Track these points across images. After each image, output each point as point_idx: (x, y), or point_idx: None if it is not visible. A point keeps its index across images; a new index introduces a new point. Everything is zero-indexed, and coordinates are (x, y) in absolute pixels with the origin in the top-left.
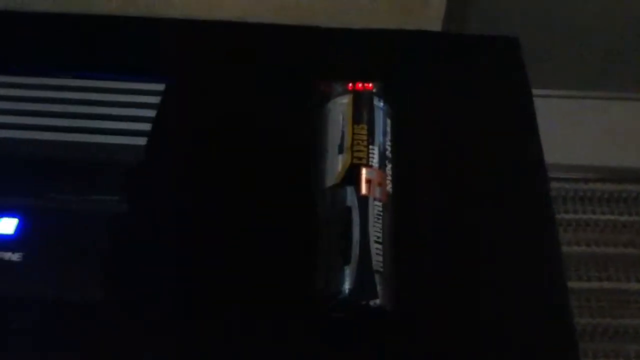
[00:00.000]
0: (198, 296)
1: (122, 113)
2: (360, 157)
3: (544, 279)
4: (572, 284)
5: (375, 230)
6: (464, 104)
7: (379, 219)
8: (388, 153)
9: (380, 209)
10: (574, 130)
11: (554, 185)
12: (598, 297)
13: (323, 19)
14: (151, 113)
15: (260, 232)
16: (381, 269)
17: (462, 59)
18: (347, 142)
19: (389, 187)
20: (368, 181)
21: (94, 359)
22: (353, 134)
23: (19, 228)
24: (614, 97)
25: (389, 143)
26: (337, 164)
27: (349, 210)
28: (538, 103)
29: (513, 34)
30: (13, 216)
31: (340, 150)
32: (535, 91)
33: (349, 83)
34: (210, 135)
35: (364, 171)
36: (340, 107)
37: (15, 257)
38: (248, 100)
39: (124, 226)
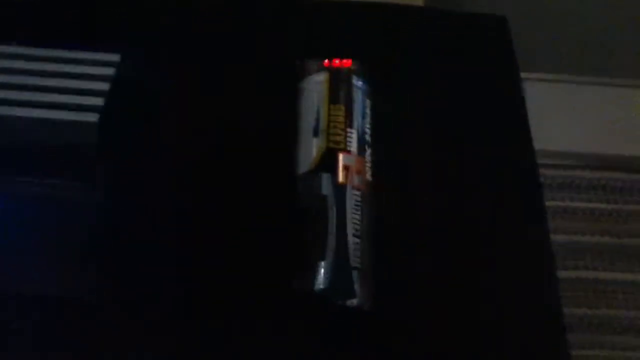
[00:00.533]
0: (196, 296)
1: (73, 86)
2: (337, 141)
3: (535, 276)
4: None
5: (354, 222)
6: (448, 85)
7: (357, 210)
8: (367, 137)
9: (359, 198)
10: (554, 116)
11: None
12: (574, 287)
13: None
14: (105, 86)
15: (245, 223)
16: (359, 265)
17: (447, 38)
18: (323, 124)
19: (368, 175)
20: (345, 168)
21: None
22: (329, 115)
23: None
24: (597, 82)
25: (368, 126)
26: (311, 149)
27: (324, 199)
28: None
29: (500, 12)
30: None
31: (315, 133)
32: None
33: (325, 60)
34: (180, 116)
35: (341, 157)
36: (316, 85)
37: None
38: (215, 74)
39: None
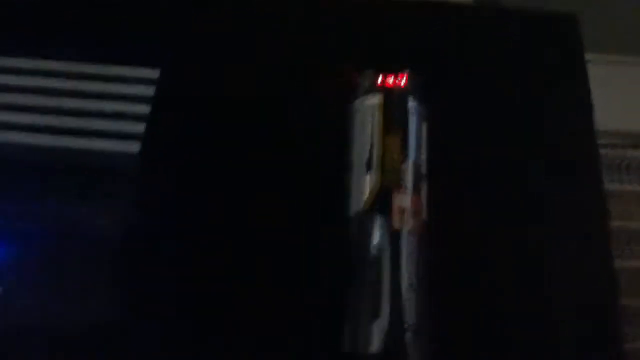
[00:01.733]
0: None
1: (111, 108)
2: (392, 178)
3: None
4: None
5: (409, 272)
6: (508, 96)
7: (412, 258)
8: (423, 169)
9: (415, 245)
10: (603, 95)
11: None
12: (627, 276)
13: None
14: (145, 109)
15: (290, 268)
16: (414, 323)
17: (508, 41)
18: (377, 158)
19: (424, 214)
20: (401, 210)
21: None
22: (384, 146)
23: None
24: None
25: (424, 157)
26: (364, 185)
27: (376, 248)
28: None
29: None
30: None
31: (368, 167)
32: None
33: (377, 75)
34: (216, 133)
35: (396, 197)
36: (369, 109)
37: None
38: (258, 88)
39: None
